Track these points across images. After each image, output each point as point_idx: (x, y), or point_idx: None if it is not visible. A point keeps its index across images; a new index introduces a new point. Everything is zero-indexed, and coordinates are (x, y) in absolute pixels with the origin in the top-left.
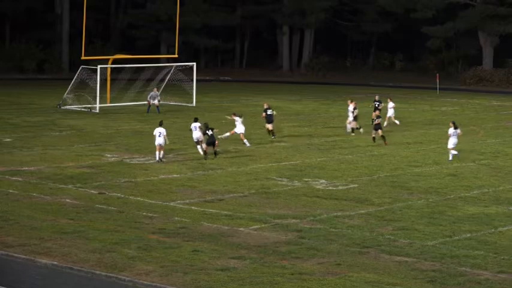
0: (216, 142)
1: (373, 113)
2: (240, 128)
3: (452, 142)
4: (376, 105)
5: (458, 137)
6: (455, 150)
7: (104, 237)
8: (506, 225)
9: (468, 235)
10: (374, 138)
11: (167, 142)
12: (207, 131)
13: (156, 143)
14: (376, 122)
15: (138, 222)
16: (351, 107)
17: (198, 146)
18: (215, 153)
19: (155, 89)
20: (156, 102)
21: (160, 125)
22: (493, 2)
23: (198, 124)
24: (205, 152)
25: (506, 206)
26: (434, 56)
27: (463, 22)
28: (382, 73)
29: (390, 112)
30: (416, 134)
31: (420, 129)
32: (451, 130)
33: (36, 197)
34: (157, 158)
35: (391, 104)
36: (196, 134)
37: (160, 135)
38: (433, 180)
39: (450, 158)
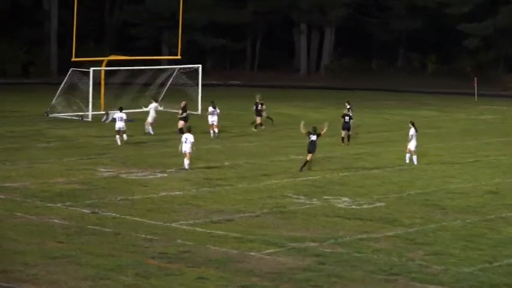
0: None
1: (257, 118)
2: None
3: (414, 144)
4: (259, 107)
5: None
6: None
7: (98, 263)
8: None
9: (510, 261)
10: (343, 138)
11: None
12: (310, 135)
13: (183, 149)
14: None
15: (136, 246)
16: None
17: (118, 136)
18: (307, 162)
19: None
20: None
21: (189, 131)
22: None
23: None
24: (305, 162)
25: None
26: (471, 57)
27: (505, 19)
28: (412, 76)
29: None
30: (451, 146)
31: (455, 140)
32: (413, 131)
33: (20, 217)
34: (186, 166)
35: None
36: (120, 124)
37: (186, 141)
38: (471, 198)
39: (408, 160)
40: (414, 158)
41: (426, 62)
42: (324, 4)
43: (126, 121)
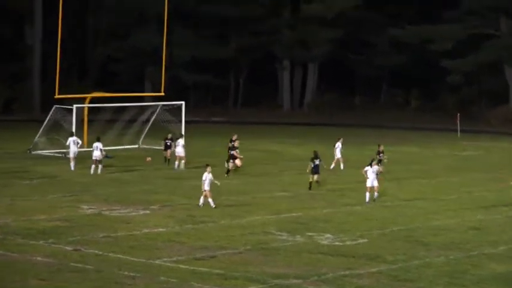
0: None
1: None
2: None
3: (375, 182)
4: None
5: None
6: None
7: None
8: None
9: None
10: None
11: (216, 182)
12: (315, 160)
13: (203, 188)
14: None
15: (119, 283)
16: None
17: (93, 166)
18: (317, 182)
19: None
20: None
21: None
22: None
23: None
24: (310, 183)
25: None
26: (454, 93)
27: (487, 55)
28: (395, 112)
29: (338, 153)
30: (435, 183)
31: (438, 176)
32: (375, 168)
33: (2, 254)
34: (200, 203)
35: (338, 144)
36: (74, 148)
37: (208, 179)
38: (454, 234)
39: (368, 200)
40: (375, 194)
41: (409, 98)
42: (308, 40)
43: (105, 157)
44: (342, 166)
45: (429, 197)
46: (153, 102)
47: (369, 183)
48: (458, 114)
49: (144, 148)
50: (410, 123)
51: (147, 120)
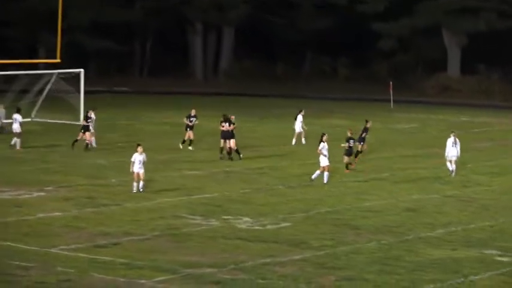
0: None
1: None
2: None
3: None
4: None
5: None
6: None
7: None
8: (478, 272)
9: (431, 286)
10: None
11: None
12: (223, 124)
13: (134, 170)
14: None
15: (10, 275)
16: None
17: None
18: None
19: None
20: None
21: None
22: None
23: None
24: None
25: (479, 248)
26: (387, 60)
27: (423, 18)
28: (321, 82)
29: (298, 127)
30: (365, 159)
31: (370, 152)
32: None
33: None
34: (134, 189)
35: (299, 117)
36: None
37: (138, 161)
38: (387, 216)
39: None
40: (325, 174)
41: (337, 66)
42: (223, 1)
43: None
44: (303, 141)
45: (359, 175)
46: (48, 70)
47: (324, 162)
48: (391, 83)
49: (38, 122)
50: (338, 94)
51: (42, 91)
